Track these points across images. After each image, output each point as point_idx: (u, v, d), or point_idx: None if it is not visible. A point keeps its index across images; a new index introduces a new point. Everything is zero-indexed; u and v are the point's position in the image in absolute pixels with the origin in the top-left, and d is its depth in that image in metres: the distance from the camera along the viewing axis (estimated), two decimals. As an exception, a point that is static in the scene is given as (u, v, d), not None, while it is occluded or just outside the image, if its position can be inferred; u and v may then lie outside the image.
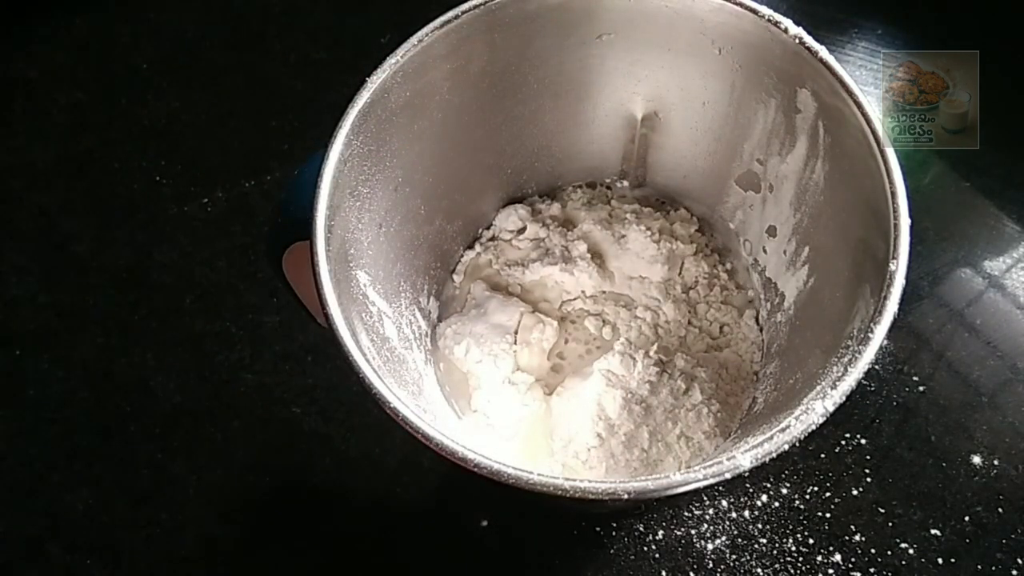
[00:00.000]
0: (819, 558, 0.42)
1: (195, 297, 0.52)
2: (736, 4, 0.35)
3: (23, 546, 0.45)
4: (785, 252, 0.41)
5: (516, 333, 0.43)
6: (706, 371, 0.41)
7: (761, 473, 0.44)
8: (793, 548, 0.42)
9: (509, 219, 0.47)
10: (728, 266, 0.46)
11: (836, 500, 0.43)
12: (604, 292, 0.45)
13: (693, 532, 0.43)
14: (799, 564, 0.42)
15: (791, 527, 0.43)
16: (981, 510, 0.43)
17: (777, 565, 0.42)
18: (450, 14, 0.35)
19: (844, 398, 0.27)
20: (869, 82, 0.55)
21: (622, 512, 0.44)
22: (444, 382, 0.43)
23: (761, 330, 0.43)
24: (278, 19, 0.64)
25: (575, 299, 0.45)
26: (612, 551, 0.43)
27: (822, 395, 0.27)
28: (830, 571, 0.42)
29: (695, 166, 0.45)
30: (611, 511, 0.44)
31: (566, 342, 0.44)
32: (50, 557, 0.45)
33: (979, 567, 0.41)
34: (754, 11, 0.34)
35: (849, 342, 0.29)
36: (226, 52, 0.62)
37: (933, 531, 0.42)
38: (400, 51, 0.34)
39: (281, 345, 0.50)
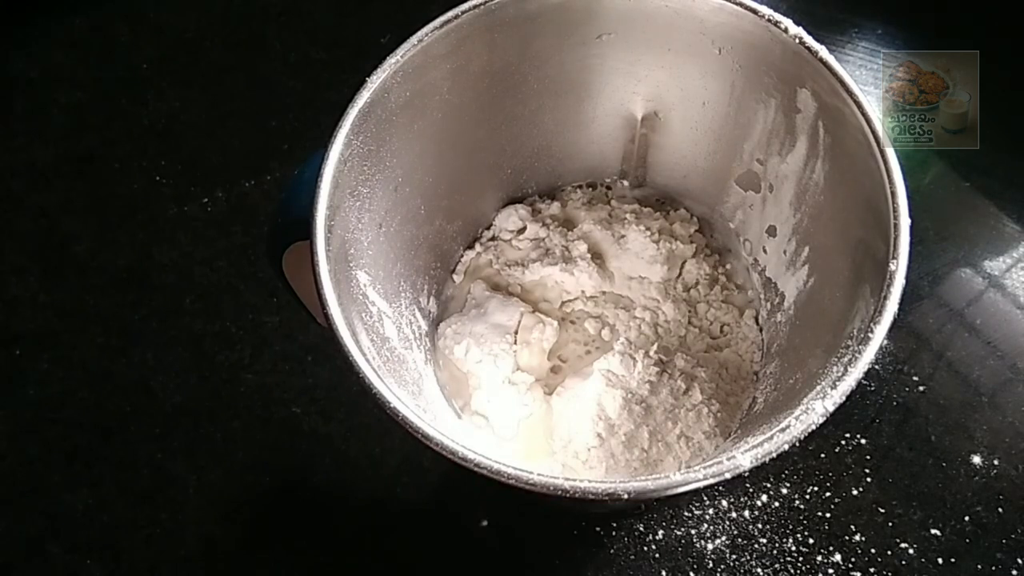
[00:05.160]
0: (819, 558, 0.42)
1: (195, 297, 0.52)
2: (736, 4, 0.35)
3: (23, 546, 0.45)
4: (785, 252, 0.41)
5: (516, 333, 0.43)
6: (706, 371, 0.41)
7: (761, 473, 0.44)
8: (793, 548, 0.42)
9: (509, 219, 0.47)
10: (728, 266, 0.46)
11: (836, 500, 0.43)
12: (604, 293, 0.45)
13: (693, 532, 0.43)
14: (799, 564, 0.42)
15: (791, 527, 0.43)
16: (981, 510, 0.43)
17: (777, 565, 0.42)
18: (450, 14, 0.35)
19: (844, 398, 0.27)
20: (869, 82, 0.55)
21: (622, 512, 0.44)
22: (444, 382, 0.43)
23: (761, 330, 0.43)
24: (278, 19, 0.64)
25: (575, 299, 0.45)
26: (612, 551, 0.43)
27: (822, 395, 0.27)
28: (830, 571, 0.42)
29: (695, 166, 0.45)
30: (611, 511, 0.44)
31: (566, 343, 0.44)
32: (50, 557, 0.45)
33: (979, 567, 0.41)
34: (754, 11, 0.34)
35: (849, 342, 0.29)
36: (226, 52, 0.62)
37: (933, 531, 0.42)
38: (400, 51, 0.34)
39: (281, 345, 0.50)
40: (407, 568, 0.44)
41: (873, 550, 0.42)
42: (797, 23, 0.34)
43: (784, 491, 0.44)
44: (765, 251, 0.43)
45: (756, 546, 0.43)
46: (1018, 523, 0.42)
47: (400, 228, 0.39)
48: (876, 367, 0.47)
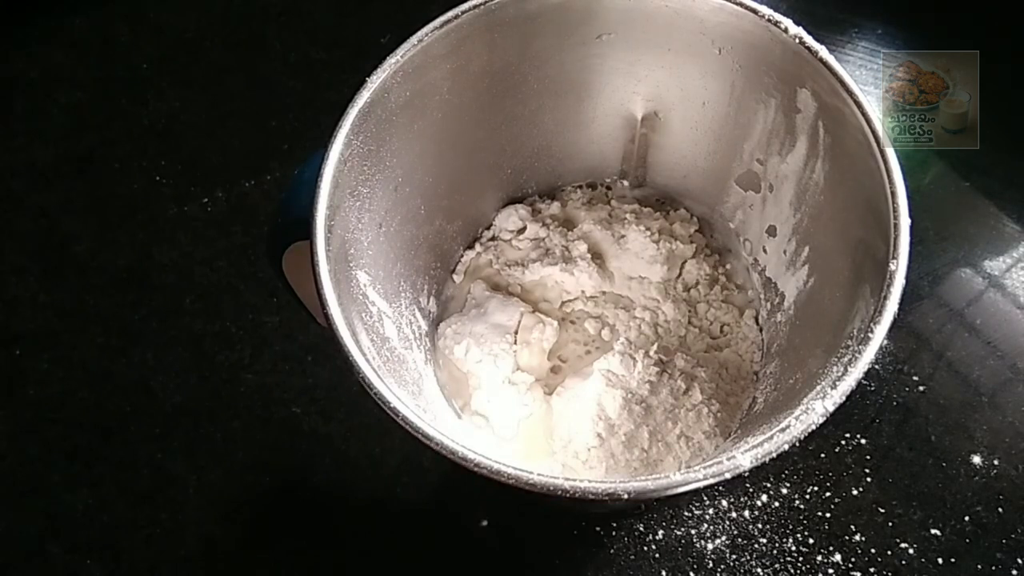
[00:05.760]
0: (819, 558, 0.42)
1: (195, 297, 0.52)
2: (736, 4, 0.35)
3: (23, 546, 0.45)
4: (785, 252, 0.41)
5: (516, 333, 0.43)
6: (706, 371, 0.41)
7: (761, 473, 0.44)
8: (793, 548, 0.42)
9: (509, 219, 0.47)
10: (728, 266, 0.46)
11: (836, 500, 0.43)
12: (604, 293, 0.45)
13: (693, 532, 0.43)
14: (799, 564, 0.42)
15: (791, 527, 0.43)
16: (981, 510, 0.43)
17: (777, 565, 0.42)
18: (450, 14, 0.35)
19: (844, 398, 0.27)
20: (869, 82, 0.55)
21: (622, 512, 0.44)
22: (444, 382, 0.43)
23: (761, 330, 0.43)
24: (278, 19, 0.64)
25: (575, 299, 0.45)
26: (612, 551, 0.43)
27: (822, 395, 0.27)
28: (830, 571, 0.42)
29: (695, 166, 0.45)
30: (611, 511, 0.44)
31: (566, 343, 0.44)
32: (50, 557, 0.45)
33: (979, 567, 0.41)
34: (754, 11, 0.34)
35: (849, 342, 0.29)
36: (226, 52, 0.62)
37: (933, 531, 0.42)
38: (400, 51, 0.34)
39: (281, 345, 0.50)
40: (407, 568, 0.44)
41: (873, 550, 0.42)
42: (797, 23, 0.34)
43: (784, 491, 0.44)
44: (765, 251, 0.43)
45: (756, 546, 0.43)
46: (1018, 523, 0.42)
47: (400, 228, 0.39)
48: (876, 367, 0.47)
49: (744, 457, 0.26)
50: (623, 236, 0.46)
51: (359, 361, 0.29)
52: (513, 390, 0.42)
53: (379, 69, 0.34)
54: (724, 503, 0.44)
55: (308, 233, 0.31)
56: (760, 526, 0.43)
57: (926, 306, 0.49)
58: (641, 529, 0.43)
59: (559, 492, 0.26)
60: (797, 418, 0.27)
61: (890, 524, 0.43)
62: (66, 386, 0.49)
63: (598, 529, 0.43)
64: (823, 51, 0.33)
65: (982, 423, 0.45)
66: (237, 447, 0.47)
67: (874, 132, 0.31)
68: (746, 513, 0.43)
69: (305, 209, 0.31)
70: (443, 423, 0.38)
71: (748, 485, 0.44)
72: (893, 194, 0.30)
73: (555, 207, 0.48)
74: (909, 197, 0.30)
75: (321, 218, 0.31)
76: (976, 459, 0.44)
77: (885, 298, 0.28)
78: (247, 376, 0.49)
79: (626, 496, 0.26)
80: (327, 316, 0.30)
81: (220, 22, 0.64)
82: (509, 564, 0.44)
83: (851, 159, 0.33)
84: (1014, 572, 0.41)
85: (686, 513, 0.44)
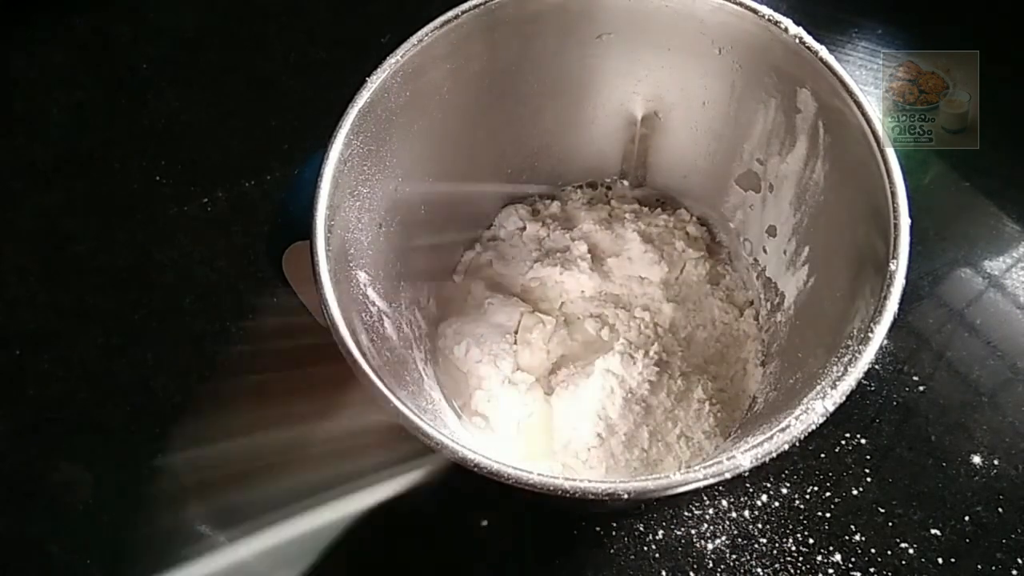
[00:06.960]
0: (819, 558, 0.42)
1: (195, 297, 0.52)
2: (736, 4, 0.35)
3: (23, 546, 0.45)
4: (785, 252, 0.41)
5: (516, 333, 0.43)
6: (706, 371, 0.41)
7: (761, 473, 0.44)
8: (793, 548, 0.42)
9: (509, 219, 0.47)
10: (728, 266, 0.46)
11: (836, 500, 0.43)
12: (604, 293, 0.45)
13: (693, 532, 0.43)
14: (799, 564, 0.42)
15: (791, 527, 0.43)
16: (981, 510, 0.43)
17: (777, 565, 0.42)
18: (450, 14, 0.35)
19: (844, 398, 0.27)
20: (869, 82, 0.55)
21: (622, 512, 0.44)
22: (444, 382, 0.43)
23: (761, 330, 0.43)
24: (278, 19, 0.64)
25: (575, 299, 0.45)
26: (612, 551, 0.43)
27: (822, 395, 0.27)
28: (830, 571, 0.42)
29: (695, 166, 0.45)
30: (611, 511, 0.44)
31: (566, 342, 0.44)
32: (50, 557, 0.45)
33: (979, 567, 0.41)
34: (754, 11, 0.34)
35: (849, 342, 0.29)
36: (226, 52, 0.62)
37: (933, 531, 0.42)
38: (400, 51, 0.34)
39: (281, 345, 0.49)
40: (407, 568, 0.44)
41: (873, 550, 0.42)
42: (797, 23, 0.34)
43: (784, 491, 0.44)
44: (765, 251, 0.43)
45: (756, 546, 0.43)
46: (1018, 523, 0.42)
47: (400, 228, 0.39)
48: (876, 367, 0.47)
49: (744, 457, 0.26)
50: (623, 236, 0.46)
51: (359, 361, 0.29)
52: (513, 390, 0.42)
53: (379, 69, 0.34)
54: (724, 503, 0.44)
55: (308, 233, 0.31)
56: (760, 526, 0.43)
57: (926, 306, 0.49)
58: (641, 529, 0.43)
59: (559, 492, 0.26)
60: (797, 418, 0.27)
61: (890, 524, 0.43)
62: (66, 386, 0.49)
63: (598, 529, 0.43)
64: (823, 51, 0.33)
65: (982, 423, 0.45)
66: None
67: (874, 132, 0.31)
68: (746, 513, 0.43)
69: (305, 209, 0.31)
70: (443, 423, 0.38)
71: (748, 485, 0.44)
72: (893, 194, 0.30)
73: (555, 207, 0.48)
74: (909, 197, 0.30)
75: (321, 218, 0.31)
76: (976, 459, 0.44)
77: (885, 298, 0.28)
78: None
79: (626, 496, 0.26)
80: (327, 316, 0.30)
81: (220, 22, 0.64)
82: (509, 564, 0.44)
83: (851, 159, 0.33)
84: (1014, 572, 0.41)
85: (686, 513, 0.43)
